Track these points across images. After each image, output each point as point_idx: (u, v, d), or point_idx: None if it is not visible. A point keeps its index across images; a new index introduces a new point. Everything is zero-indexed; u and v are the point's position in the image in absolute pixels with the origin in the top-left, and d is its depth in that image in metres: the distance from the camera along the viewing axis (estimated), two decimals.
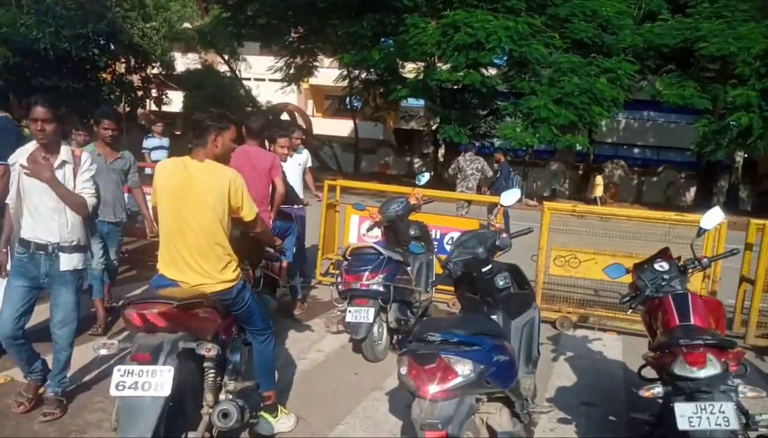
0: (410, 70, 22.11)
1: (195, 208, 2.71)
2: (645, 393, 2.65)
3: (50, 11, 16.81)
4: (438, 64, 20.30)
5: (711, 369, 2.50)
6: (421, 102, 25.69)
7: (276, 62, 24.98)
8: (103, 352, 2.48)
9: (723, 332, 2.95)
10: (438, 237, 6.09)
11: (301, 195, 5.85)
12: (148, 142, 8.81)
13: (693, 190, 25.10)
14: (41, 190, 3.12)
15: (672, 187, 25.92)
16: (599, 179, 22.72)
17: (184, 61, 27.17)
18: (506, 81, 20.38)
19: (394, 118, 31.16)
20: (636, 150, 31.11)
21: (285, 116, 27.89)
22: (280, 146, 5.24)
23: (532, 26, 18.43)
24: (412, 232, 5.09)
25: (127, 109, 23.14)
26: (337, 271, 5.15)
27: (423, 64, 21.13)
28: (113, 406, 2.41)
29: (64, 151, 3.22)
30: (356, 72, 23.69)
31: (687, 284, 3.15)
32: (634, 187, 26.46)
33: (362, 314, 4.29)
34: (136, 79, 23.56)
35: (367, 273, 4.41)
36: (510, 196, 3.72)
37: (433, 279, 5.00)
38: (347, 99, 28.12)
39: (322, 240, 6.58)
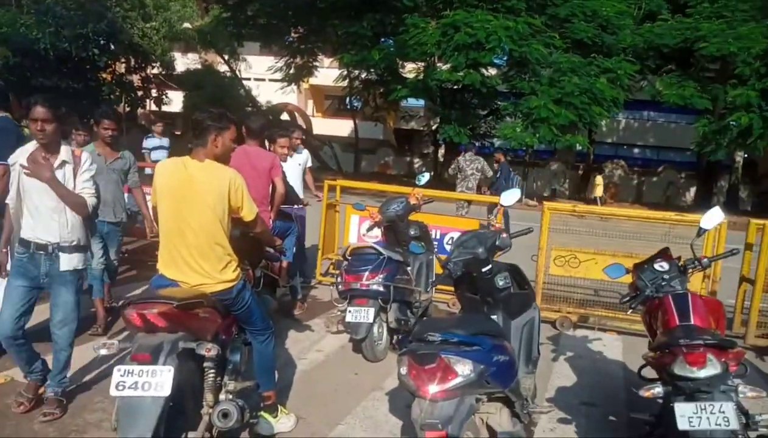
0: (410, 70, 22.10)
1: (195, 208, 2.71)
2: (645, 393, 2.65)
3: (50, 11, 16.80)
4: (438, 64, 20.29)
5: (711, 369, 2.50)
6: (421, 102, 25.68)
7: (276, 62, 24.98)
8: (103, 352, 2.48)
9: (723, 332, 2.95)
10: (438, 237, 6.09)
11: (301, 195, 5.85)
12: (148, 142, 8.81)
13: (693, 190, 25.10)
14: (41, 190, 3.12)
15: (672, 187, 25.91)
16: (599, 179, 22.72)
17: (184, 61, 27.17)
18: (506, 81, 20.38)
19: (394, 118, 31.14)
20: (636, 150, 31.10)
21: (285, 116, 27.88)
22: (280, 146, 5.24)
23: (532, 26, 18.43)
24: (412, 232, 5.09)
25: (127, 109, 23.14)
26: (337, 271, 5.15)
27: (423, 64, 21.13)
28: (113, 406, 2.41)
29: (64, 151, 3.22)
30: (356, 72, 23.68)
31: (687, 284, 3.15)
32: (634, 187, 26.45)
33: (362, 314, 4.29)
34: (136, 79, 23.56)
35: (367, 273, 4.41)
36: (510, 196, 3.72)
37: (433, 279, 4.99)
38: (347, 99, 28.11)
39: (322, 240, 6.58)
